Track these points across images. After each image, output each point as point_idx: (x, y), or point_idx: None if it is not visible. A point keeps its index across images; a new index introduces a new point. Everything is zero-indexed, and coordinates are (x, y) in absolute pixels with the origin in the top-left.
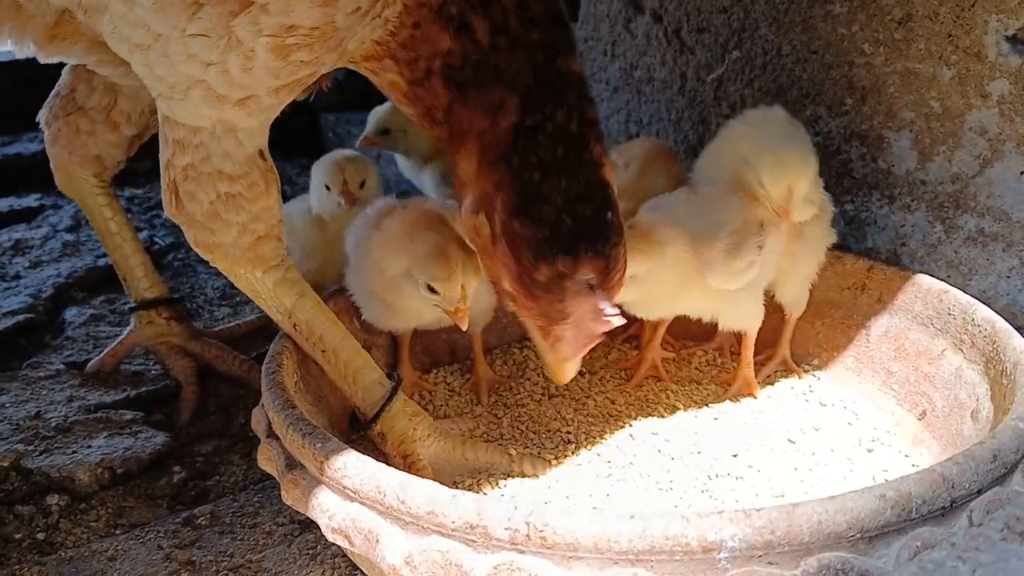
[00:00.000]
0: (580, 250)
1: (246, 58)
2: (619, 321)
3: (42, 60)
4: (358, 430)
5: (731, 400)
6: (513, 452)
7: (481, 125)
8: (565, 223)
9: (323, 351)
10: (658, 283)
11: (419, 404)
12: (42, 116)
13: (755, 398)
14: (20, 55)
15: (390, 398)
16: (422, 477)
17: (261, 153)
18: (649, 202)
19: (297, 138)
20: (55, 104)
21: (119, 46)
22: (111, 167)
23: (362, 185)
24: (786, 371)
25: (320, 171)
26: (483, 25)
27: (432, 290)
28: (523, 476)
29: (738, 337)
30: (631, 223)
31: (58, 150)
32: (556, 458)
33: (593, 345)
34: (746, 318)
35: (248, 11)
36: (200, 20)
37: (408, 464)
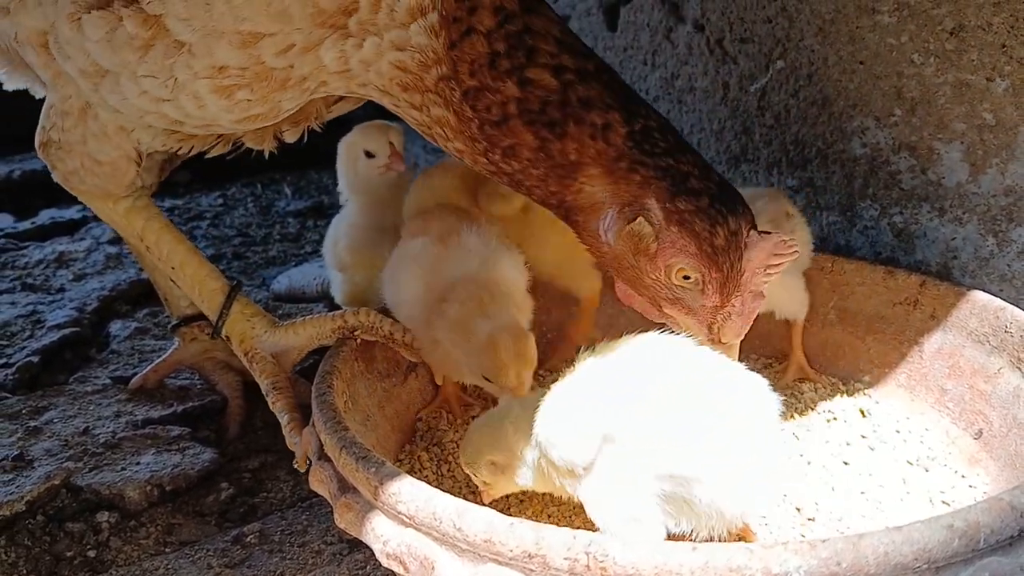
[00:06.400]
0: (737, 205)
1: (196, 98)
2: (793, 254)
3: None
4: (214, 337)
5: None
6: (342, 318)
7: (596, 148)
8: (712, 188)
9: (172, 268)
10: None
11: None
12: None
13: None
14: None
15: (228, 301)
16: (263, 369)
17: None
18: None
19: (333, 150)
20: None
21: (65, 63)
22: (147, 189)
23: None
24: (806, 378)
25: (359, 139)
26: (542, 73)
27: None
28: (353, 329)
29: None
30: None
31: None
32: None
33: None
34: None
35: (180, 54)
36: (146, 63)
37: (250, 359)
